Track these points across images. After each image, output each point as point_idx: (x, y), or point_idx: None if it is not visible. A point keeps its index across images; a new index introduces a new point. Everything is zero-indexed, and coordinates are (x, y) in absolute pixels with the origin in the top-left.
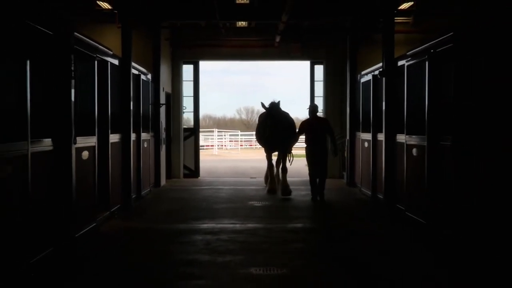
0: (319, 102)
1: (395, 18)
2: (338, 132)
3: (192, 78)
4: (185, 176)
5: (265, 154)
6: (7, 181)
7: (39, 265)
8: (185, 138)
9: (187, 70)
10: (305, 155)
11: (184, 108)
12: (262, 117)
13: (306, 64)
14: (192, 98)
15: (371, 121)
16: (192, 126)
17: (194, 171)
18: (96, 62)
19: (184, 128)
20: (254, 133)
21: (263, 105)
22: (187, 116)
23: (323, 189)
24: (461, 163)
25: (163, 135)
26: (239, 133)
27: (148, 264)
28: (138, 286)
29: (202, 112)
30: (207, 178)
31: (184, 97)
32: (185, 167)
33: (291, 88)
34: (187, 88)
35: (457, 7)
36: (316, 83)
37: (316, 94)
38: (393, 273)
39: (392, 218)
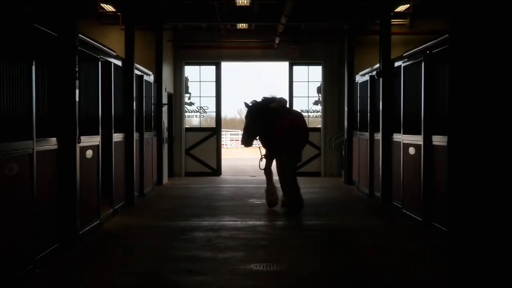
0: (303, 104)
1: (392, 20)
2: (336, 131)
3: (214, 79)
4: (207, 174)
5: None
6: (13, 179)
7: (44, 261)
8: (207, 137)
9: (209, 71)
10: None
11: (206, 108)
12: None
13: (304, 66)
14: (214, 98)
15: (369, 121)
16: (214, 126)
17: (216, 169)
18: (100, 63)
19: (207, 128)
20: None
21: (246, 105)
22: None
23: (301, 200)
24: (457, 162)
25: (165, 134)
26: (240, 132)
27: (150, 260)
28: (139, 281)
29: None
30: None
31: (206, 98)
32: (207, 165)
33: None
34: (208, 89)
35: (452, 9)
36: (294, 84)
37: (294, 94)
38: (391, 270)
39: (389, 216)
